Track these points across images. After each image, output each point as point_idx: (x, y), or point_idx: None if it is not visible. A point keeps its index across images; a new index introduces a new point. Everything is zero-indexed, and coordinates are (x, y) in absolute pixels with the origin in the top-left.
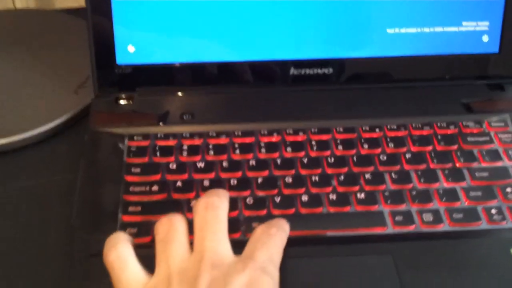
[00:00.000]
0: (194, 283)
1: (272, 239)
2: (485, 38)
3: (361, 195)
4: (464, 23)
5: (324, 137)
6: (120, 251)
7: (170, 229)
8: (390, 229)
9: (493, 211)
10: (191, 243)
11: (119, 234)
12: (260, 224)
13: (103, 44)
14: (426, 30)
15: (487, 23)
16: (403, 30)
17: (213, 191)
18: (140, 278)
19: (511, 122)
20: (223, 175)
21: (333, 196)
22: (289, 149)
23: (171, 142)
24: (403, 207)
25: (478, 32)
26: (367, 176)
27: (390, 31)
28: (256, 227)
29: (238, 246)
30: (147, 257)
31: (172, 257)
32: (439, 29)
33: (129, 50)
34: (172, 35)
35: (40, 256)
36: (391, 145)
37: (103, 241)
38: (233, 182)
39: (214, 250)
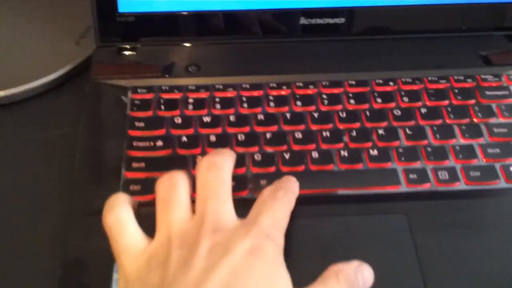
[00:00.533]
0: (194, 248)
1: (278, 203)
2: None
3: (374, 152)
4: None
5: (336, 90)
6: (118, 214)
7: (171, 188)
8: (403, 187)
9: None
10: (194, 202)
11: (119, 195)
12: (268, 184)
13: None
14: None
15: None
16: None
17: (217, 151)
18: (139, 242)
19: None
20: (230, 130)
21: (344, 153)
22: (299, 103)
23: (176, 95)
24: (417, 164)
25: None
26: (380, 131)
27: None
28: (263, 188)
29: (245, 205)
30: (151, 215)
31: (173, 220)
32: None
33: None
34: None
35: (41, 211)
36: (405, 99)
37: (105, 198)
38: (241, 137)
39: (216, 213)
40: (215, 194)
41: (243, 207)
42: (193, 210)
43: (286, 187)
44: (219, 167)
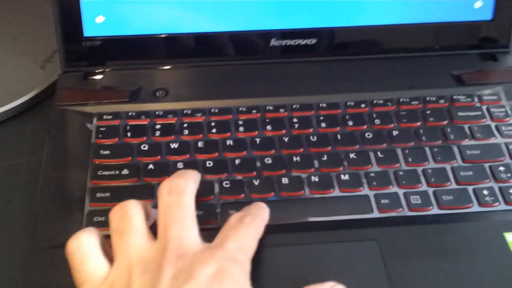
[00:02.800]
0: (158, 274)
1: (245, 228)
2: (478, 4)
3: (345, 177)
4: None
5: (306, 113)
6: (81, 241)
7: (124, 217)
8: (375, 213)
9: (485, 192)
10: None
11: (86, 228)
12: (235, 212)
13: (69, 14)
14: None
15: None
16: None
17: (179, 173)
18: (102, 271)
19: (505, 95)
20: (198, 156)
21: (315, 178)
22: (269, 127)
23: (143, 121)
24: (389, 189)
25: None
26: (352, 155)
27: None
28: (231, 215)
29: (214, 234)
30: None
31: (129, 248)
32: None
33: (97, 21)
34: (144, 4)
35: (1, 243)
36: (377, 121)
37: (68, 230)
38: (209, 163)
39: (179, 239)
40: (177, 220)
41: (212, 236)
42: (153, 236)
43: (254, 213)
44: (180, 191)
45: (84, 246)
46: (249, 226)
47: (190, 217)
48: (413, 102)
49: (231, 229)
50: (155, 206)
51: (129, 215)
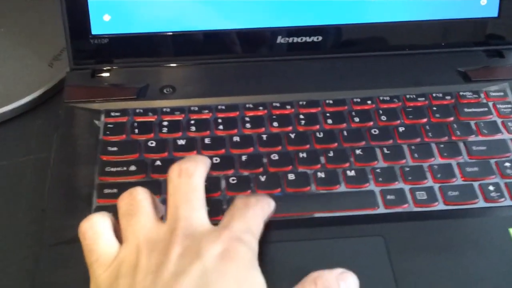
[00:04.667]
0: (165, 253)
1: (251, 209)
2: (483, 1)
3: (351, 173)
4: None
5: (313, 110)
6: (93, 222)
7: (132, 201)
8: (381, 209)
9: (491, 188)
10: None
11: (99, 211)
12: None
13: (77, 13)
14: None
15: None
16: None
17: (190, 157)
18: (113, 250)
19: (511, 91)
20: (205, 153)
21: (321, 174)
22: (275, 123)
23: (151, 118)
24: (395, 185)
25: None
26: (358, 151)
27: None
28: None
29: None
30: None
31: (138, 228)
32: None
33: (105, 19)
34: (150, 2)
35: (9, 241)
36: (383, 118)
37: (75, 227)
38: (216, 160)
39: (188, 219)
40: (187, 201)
41: None
42: (160, 220)
43: (259, 196)
44: (190, 174)
45: (96, 226)
46: (255, 207)
47: (199, 199)
48: (419, 99)
49: (237, 210)
50: (163, 202)
51: (138, 199)
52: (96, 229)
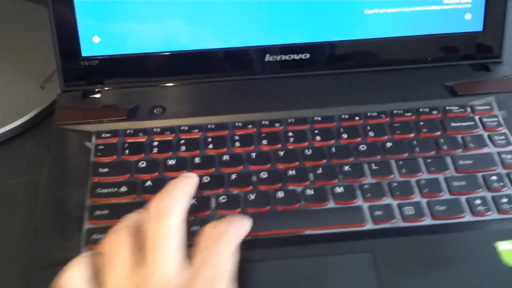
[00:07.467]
0: None
1: (221, 243)
2: (468, 16)
3: (340, 189)
4: (445, 1)
5: (301, 127)
6: (71, 276)
7: (110, 249)
8: (369, 225)
9: (478, 201)
10: None
11: (80, 256)
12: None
13: (67, 35)
14: (406, 9)
15: None
16: (382, 11)
17: (169, 189)
18: None
19: (497, 105)
20: (195, 172)
21: (310, 191)
22: (264, 141)
23: (141, 139)
24: (383, 200)
25: (461, 10)
26: (346, 168)
27: (368, 12)
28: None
29: None
30: None
31: (114, 282)
32: (419, 8)
33: (94, 41)
34: (139, 23)
35: (0, 263)
36: (371, 133)
37: (67, 249)
38: (206, 179)
39: (162, 267)
40: (162, 246)
41: None
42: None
43: (227, 221)
44: (166, 215)
45: (73, 282)
46: (223, 240)
47: (174, 242)
48: (406, 114)
49: (205, 249)
50: None
51: (115, 248)
52: (72, 285)
